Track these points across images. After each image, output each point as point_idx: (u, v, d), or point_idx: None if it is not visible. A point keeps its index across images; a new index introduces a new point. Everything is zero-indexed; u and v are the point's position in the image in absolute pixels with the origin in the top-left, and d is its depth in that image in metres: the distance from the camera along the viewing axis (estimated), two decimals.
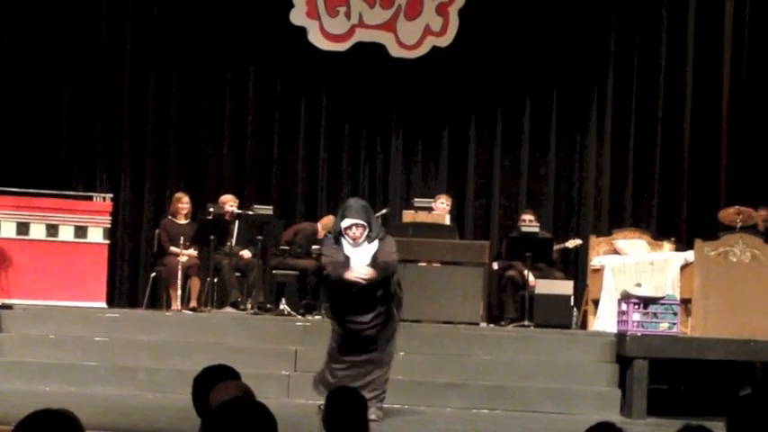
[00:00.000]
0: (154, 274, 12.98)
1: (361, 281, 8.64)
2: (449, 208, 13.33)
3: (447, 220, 13.04)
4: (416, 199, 13.41)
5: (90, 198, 12.93)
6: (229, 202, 12.92)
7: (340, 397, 4.41)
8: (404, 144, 14.84)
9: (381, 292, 8.78)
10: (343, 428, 4.24)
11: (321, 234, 12.83)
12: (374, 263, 8.71)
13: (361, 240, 8.74)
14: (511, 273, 12.84)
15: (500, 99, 14.79)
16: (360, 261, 8.72)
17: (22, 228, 12.28)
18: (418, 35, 14.62)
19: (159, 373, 10.30)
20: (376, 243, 8.80)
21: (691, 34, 14.66)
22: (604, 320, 11.79)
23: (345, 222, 8.76)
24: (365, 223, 8.78)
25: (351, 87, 14.70)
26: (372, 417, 8.64)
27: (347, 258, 8.74)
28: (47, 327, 10.93)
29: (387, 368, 8.88)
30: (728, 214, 12.29)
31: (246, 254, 12.67)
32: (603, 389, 10.29)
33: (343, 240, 8.78)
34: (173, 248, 12.56)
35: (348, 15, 14.64)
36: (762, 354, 10.34)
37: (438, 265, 12.30)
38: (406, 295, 11.69)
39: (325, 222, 12.96)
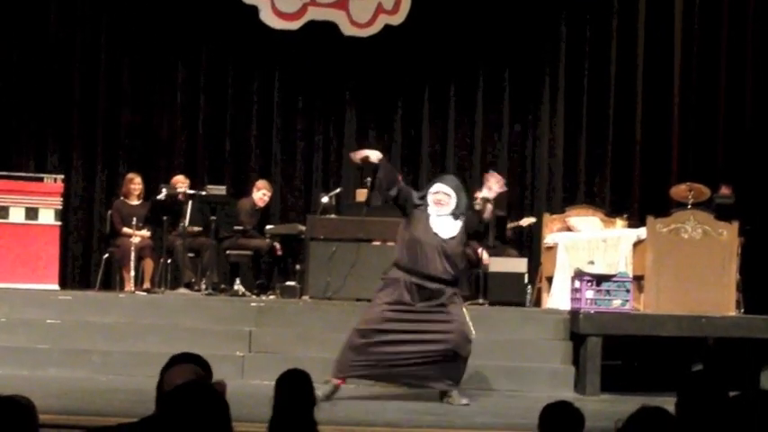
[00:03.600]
0: (106, 255, 12.89)
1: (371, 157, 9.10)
2: None
3: None
4: (370, 178, 13.38)
5: (41, 179, 12.78)
6: (180, 183, 12.83)
7: (287, 379, 4.42)
8: (357, 123, 14.82)
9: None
10: (289, 410, 4.26)
11: (257, 200, 12.85)
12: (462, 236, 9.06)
13: (443, 208, 8.96)
14: (465, 251, 12.84)
15: (453, 77, 14.79)
16: (442, 232, 8.96)
17: None
18: (370, 13, 14.58)
19: (113, 356, 10.25)
20: (461, 221, 9.04)
21: (642, 12, 14.72)
22: (558, 298, 11.85)
23: (433, 187, 9.07)
24: (451, 193, 8.99)
25: (303, 66, 14.64)
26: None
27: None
28: None
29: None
30: (680, 191, 12.37)
31: (197, 229, 12.61)
32: (557, 366, 10.35)
33: (429, 201, 9.04)
34: (125, 229, 12.48)
35: None
36: (713, 330, 10.45)
37: (392, 243, 12.26)
38: (360, 274, 11.77)
39: (259, 186, 12.98)
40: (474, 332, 9.14)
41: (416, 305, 8.94)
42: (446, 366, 9.00)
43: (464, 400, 9.03)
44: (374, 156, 9.29)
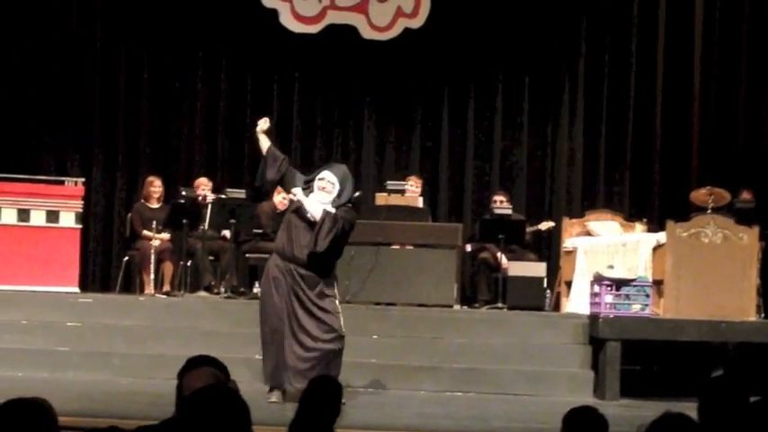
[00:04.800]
0: (126, 258, 12.94)
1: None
2: (419, 190, 13.32)
3: (420, 203, 13.05)
4: (389, 181, 13.38)
5: (62, 182, 12.85)
6: (203, 186, 12.87)
7: (319, 384, 4.44)
8: (376, 126, 14.83)
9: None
10: (314, 416, 4.27)
11: (278, 204, 12.86)
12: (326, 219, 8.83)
13: (326, 196, 8.87)
14: (484, 255, 12.85)
15: (472, 81, 14.77)
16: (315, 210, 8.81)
17: None
18: (390, 17, 14.59)
19: (132, 358, 10.28)
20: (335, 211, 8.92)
21: (662, 16, 14.68)
22: (577, 302, 11.82)
23: (320, 174, 8.96)
24: (335, 182, 8.90)
25: (323, 70, 14.65)
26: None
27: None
28: (18, 312, 10.88)
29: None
30: (700, 195, 12.32)
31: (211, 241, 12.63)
32: (576, 370, 10.33)
33: (314, 187, 8.91)
34: (145, 232, 12.51)
35: None
36: (733, 334, 10.40)
37: (411, 247, 12.30)
38: (379, 278, 11.78)
39: (279, 190, 12.99)
40: (344, 329, 8.96)
41: (293, 300, 8.80)
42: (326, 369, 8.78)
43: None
44: (260, 125, 9.33)
